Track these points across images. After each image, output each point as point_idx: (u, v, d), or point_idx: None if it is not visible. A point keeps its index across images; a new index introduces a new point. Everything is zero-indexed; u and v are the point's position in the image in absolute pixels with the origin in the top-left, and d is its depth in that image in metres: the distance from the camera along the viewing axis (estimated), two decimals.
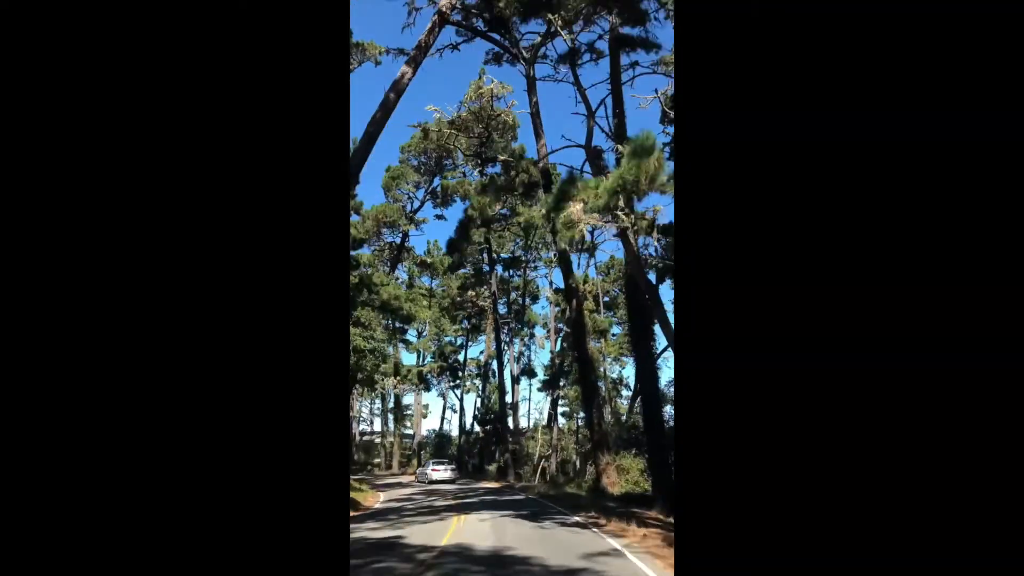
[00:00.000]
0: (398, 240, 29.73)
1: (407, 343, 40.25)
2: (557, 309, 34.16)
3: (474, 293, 30.48)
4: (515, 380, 30.51)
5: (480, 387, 36.85)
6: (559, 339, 30.67)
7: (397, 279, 39.21)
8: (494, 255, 29.79)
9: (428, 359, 35.98)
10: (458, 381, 36.03)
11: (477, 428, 35.02)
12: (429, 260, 30.90)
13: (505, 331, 34.13)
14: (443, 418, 51.59)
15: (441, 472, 24.36)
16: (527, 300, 34.46)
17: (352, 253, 23.44)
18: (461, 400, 34.77)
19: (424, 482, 24.23)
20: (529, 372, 31.45)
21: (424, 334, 38.01)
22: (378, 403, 44.05)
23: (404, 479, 30.00)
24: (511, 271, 35.78)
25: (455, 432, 38.28)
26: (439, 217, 31.06)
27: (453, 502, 15.17)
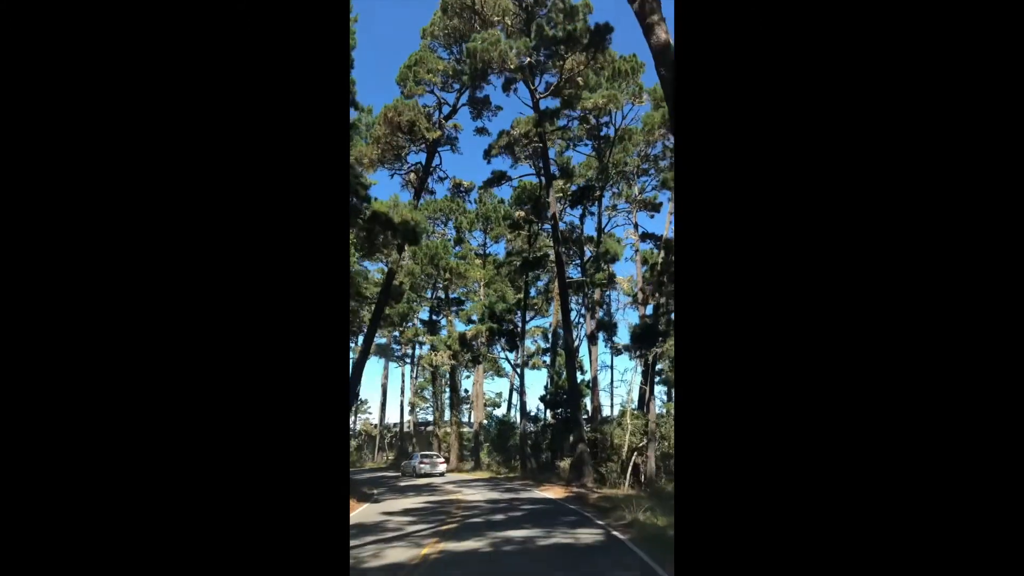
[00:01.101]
0: (422, 159, 21.31)
1: (460, 311, 31.95)
2: (645, 268, 24.46)
3: (523, 214, 21.38)
4: (591, 339, 21.03)
5: (549, 362, 27.86)
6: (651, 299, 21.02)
7: (445, 237, 31.68)
8: (552, 168, 20.57)
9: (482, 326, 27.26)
10: (517, 353, 27.06)
11: (548, 415, 26.07)
12: (466, 184, 22.35)
13: (577, 300, 24.91)
14: (509, 403, 42.84)
15: (429, 465, 21.49)
16: (602, 246, 24.82)
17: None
18: (521, 375, 25.76)
19: (410, 475, 21.58)
20: (607, 328, 21.73)
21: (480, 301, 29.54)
22: (445, 390, 36.43)
23: (447, 477, 21.52)
24: (581, 206, 26.38)
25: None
26: (480, 132, 22.30)
27: (441, 546, 6.35)
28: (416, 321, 31.88)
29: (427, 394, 37.48)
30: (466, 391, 35.29)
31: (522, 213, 20.76)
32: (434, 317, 32.30)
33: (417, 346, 33.74)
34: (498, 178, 20.32)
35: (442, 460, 22.99)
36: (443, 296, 31.39)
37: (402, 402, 38.34)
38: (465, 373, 36.65)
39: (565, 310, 18.63)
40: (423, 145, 21.28)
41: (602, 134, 25.10)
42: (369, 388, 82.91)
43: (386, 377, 39.51)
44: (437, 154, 21.99)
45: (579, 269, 27.79)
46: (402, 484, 18.74)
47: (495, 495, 13.42)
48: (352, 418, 45.72)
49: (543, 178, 21.45)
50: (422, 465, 21.62)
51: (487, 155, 19.73)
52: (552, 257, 26.77)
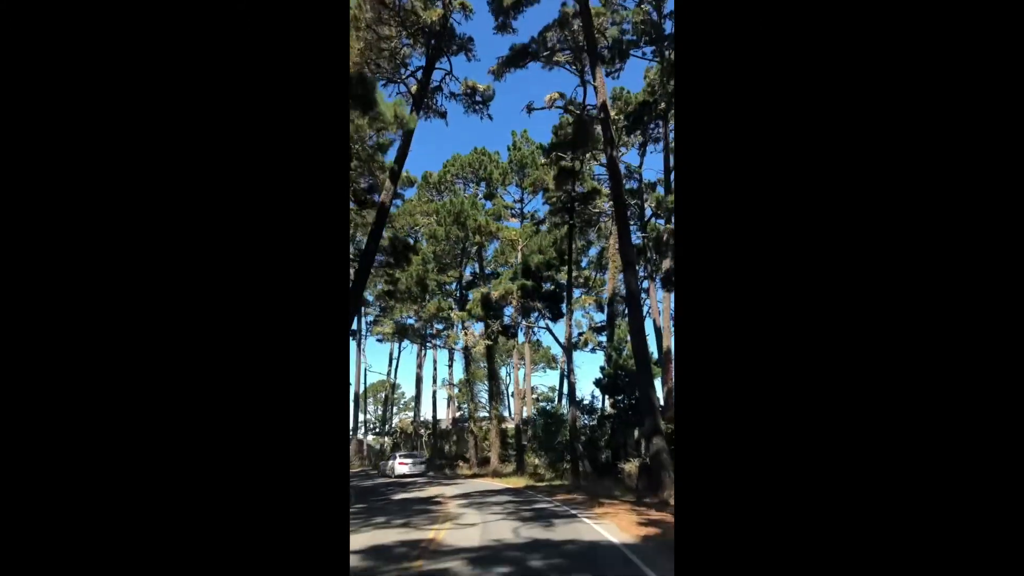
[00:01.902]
0: (421, 57, 15.45)
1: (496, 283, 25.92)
2: None
3: (557, 96, 15.04)
4: (665, 284, 14.39)
5: (607, 338, 21.41)
6: None
7: (475, 196, 25.30)
8: (601, 46, 14.16)
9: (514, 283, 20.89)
10: (564, 326, 20.58)
11: (607, 403, 19.76)
12: (482, 89, 16.20)
13: (644, 269, 18.35)
14: (560, 392, 35.90)
15: (409, 465, 21.01)
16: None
17: None
18: (568, 351, 19.05)
19: (390, 476, 20.93)
20: None
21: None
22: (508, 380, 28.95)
23: (468, 486, 15.54)
24: (640, 131, 19.81)
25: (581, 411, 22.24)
26: (503, 30, 16.27)
27: None
28: (451, 301, 26.00)
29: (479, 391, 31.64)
30: (521, 387, 28.85)
31: (557, 95, 14.36)
32: (467, 294, 26.46)
33: (455, 327, 27.82)
34: (519, 54, 14.09)
35: (421, 461, 22.47)
36: (478, 270, 25.47)
37: (434, 393, 32.71)
38: (513, 362, 30.61)
39: (624, 240, 12.19)
40: (422, 40, 15.51)
41: (667, 33, 18.57)
42: (408, 378, 77.94)
43: (420, 367, 34.10)
44: (445, 58, 16.18)
45: (641, 230, 21.25)
46: (397, 497, 12.89)
47: (508, 531, 7.19)
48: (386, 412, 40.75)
49: (586, 70, 15.22)
50: (400, 466, 20.58)
51: (497, 5, 13.53)
52: (603, 206, 20.37)
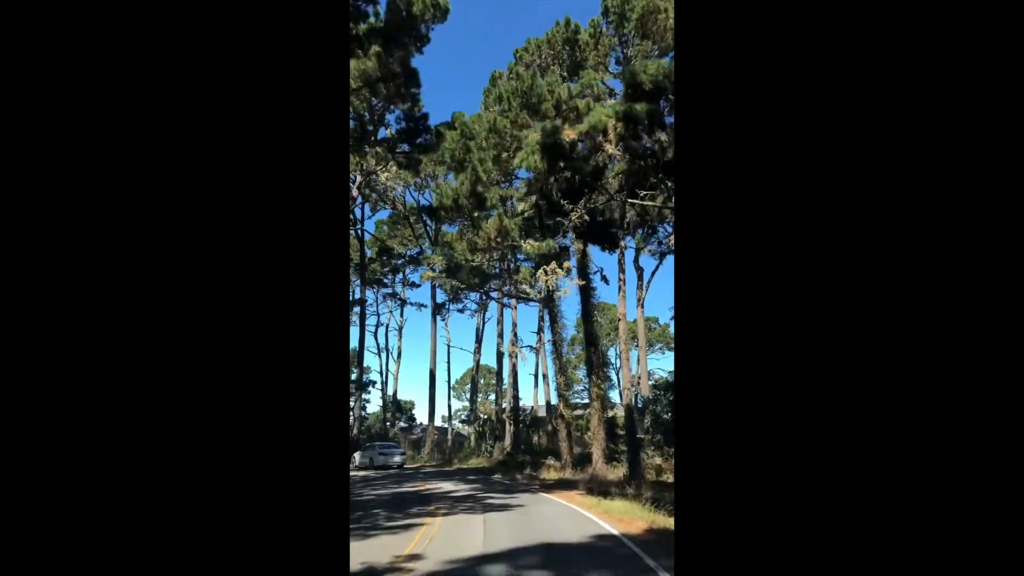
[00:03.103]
0: None
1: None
2: None
3: None
4: None
5: None
6: None
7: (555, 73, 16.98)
8: None
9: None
10: None
11: None
12: None
13: None
14: None
15: (388, 457, 20.37)
16: None
17: None
18: None
19: (366, 467, 20.04)
20: None
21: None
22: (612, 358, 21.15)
23: (524, 516, 7.75)
24: None
25: None
26: None
27: None
28: (517, 220, 18.18)
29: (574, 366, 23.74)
30: (635, 374, 20.15)
31: None
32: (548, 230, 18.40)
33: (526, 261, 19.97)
34: None
35: (401, 452, 21.53)
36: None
37: (513, 367, 25.02)
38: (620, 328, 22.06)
39: None
40: None
41: None
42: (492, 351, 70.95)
43: (501, 335, 26.69)
44: None
45: None
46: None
47: None
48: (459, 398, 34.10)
49: None
50: (379, 457, 20.36)
51: None
52: None
